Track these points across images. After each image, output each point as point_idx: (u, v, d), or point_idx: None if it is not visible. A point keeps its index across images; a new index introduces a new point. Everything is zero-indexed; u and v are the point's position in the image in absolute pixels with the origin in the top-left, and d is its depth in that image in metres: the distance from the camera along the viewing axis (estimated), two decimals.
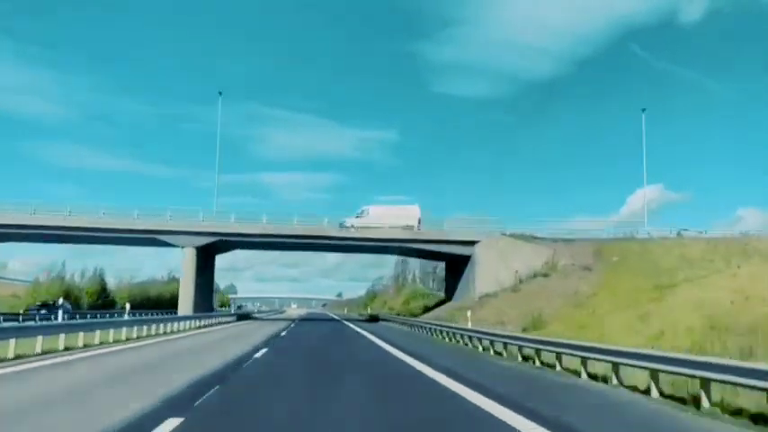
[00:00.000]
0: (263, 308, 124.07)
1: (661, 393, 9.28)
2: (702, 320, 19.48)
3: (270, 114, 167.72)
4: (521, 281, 37.88)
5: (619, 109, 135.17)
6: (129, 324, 22.11)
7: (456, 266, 44.83)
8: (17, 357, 12.93)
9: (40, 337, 14.61)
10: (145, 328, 23.41)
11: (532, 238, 42.79)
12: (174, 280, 58.75)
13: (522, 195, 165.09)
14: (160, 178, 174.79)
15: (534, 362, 14.19)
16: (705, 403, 8.07)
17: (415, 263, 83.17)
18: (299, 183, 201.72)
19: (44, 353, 14.15)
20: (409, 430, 6.65)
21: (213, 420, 6.74)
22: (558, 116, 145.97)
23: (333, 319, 63.08)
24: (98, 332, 18.39)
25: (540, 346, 14.13)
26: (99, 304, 50.37)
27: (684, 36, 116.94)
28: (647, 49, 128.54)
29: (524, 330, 23.89)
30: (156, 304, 56.36)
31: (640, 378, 10.04)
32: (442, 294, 55.86)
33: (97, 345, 17.40)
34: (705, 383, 8.13)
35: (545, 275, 37.24)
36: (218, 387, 9.13)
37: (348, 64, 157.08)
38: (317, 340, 24.75)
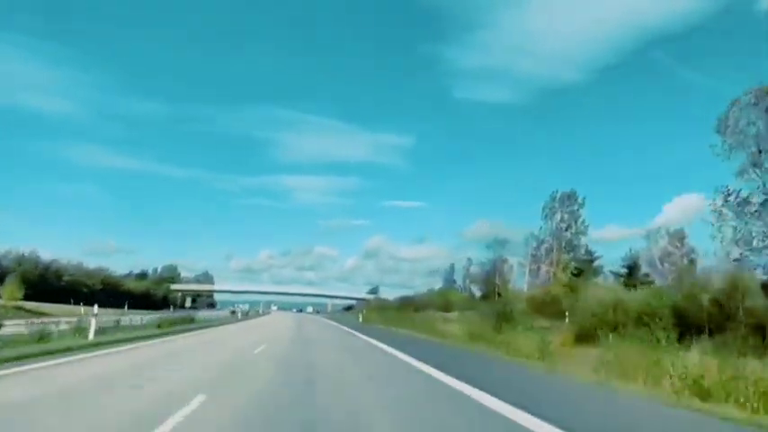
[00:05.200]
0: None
1: None
2: None
3: (288, 117, 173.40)
4: None
5: (644, 116, 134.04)
6: None
7: None
8: None
9: None
10: None
11: None
12: None
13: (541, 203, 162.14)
14: (176, 179, 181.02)
15: None
16: None
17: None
18: (318, 186, 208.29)
19: None
20: None
21: None
22: (579, 123, 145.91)
23: None
24: None
25: None
26: None
27: (709, 42, 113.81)
28: (670, 55, 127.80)
29: None
30: None
31: None
32: None
33: None
34: None
35: None
36: None
37: (368, 68, 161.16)
38: None
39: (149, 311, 53.23)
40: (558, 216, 40.06)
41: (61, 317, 25.72)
